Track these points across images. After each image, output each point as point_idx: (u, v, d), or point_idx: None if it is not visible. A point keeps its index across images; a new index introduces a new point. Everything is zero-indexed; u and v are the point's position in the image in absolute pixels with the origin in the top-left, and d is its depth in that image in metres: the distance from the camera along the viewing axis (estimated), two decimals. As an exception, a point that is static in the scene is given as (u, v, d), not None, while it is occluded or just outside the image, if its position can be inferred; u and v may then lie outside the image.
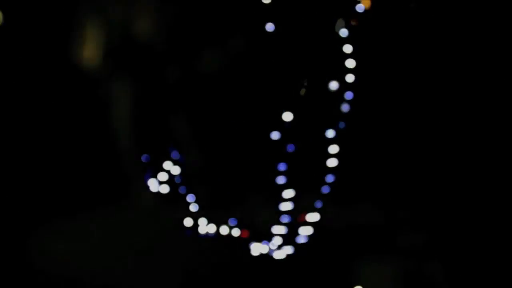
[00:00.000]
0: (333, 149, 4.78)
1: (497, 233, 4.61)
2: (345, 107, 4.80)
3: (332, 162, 4.79)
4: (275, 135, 4.68)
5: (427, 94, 4.84)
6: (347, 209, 4.80)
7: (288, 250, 4.70)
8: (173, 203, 4.73)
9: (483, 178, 4.75)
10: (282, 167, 4.71)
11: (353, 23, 4.77)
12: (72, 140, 4.75)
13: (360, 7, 4.76)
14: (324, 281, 4.63)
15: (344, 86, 4.79)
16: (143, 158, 4.71)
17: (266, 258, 4.70)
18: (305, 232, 4.73)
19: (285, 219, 4.70)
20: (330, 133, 4.78)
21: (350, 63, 4.76)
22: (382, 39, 4.82)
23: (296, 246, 4.69)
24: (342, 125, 4.79)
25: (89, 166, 4.73)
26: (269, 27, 4.65)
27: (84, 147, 4.75)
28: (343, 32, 4.77)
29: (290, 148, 4.71)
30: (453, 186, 4.79)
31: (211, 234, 4.68)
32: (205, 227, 4.69)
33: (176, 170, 4.72)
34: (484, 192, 4.72)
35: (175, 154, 4.73)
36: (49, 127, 4.74)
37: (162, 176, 4.72)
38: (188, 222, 4.68)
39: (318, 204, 4.77)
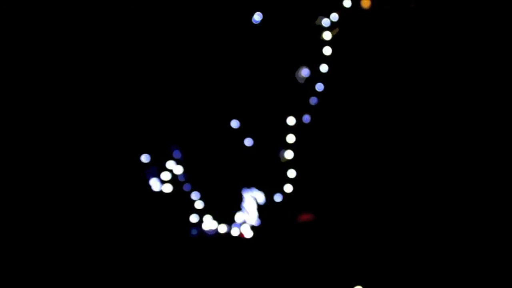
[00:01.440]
0: (291, 139, 4.59)
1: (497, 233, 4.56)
2: (313, 100, 4.61)
3: (289, 154, 4.62)
4: (234, 124, 4.61)
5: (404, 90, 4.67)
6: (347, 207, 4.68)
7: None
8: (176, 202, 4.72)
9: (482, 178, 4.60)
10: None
11: (337, 14, 4.64)
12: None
13: (347, 3, 4.63)
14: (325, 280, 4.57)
15: (316, 76, 4.62)
16: (145, 158, 4.68)
17: (267, 257, 4.62)
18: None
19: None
20: (291, 121, 4.58)
21: (327, 51, 4.60)
22: (366, 34, 4.69)
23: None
24: (307, 119, 4.60)
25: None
26: (256, 18, 4.63)
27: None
28: (325, 22, 4.64)
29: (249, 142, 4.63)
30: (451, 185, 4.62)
31: (213, 231, 4.65)
32: (210, 223, 4.65)
33: (179, 169, 4.63)
34: (483, 192, 4.60)
35: (177, 153, 4.67)
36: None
37: (165, 176, 4.63)
38: (193, 219, 4.63)
39: (278, 198, 4.65)
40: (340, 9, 4.64)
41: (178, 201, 4.64)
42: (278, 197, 4.63)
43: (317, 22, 4.63)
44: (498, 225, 4.53)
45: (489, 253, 4.48)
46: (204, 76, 4.64)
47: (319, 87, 4.60)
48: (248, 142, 4.61)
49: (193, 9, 4.64)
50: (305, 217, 4.66)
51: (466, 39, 4.66)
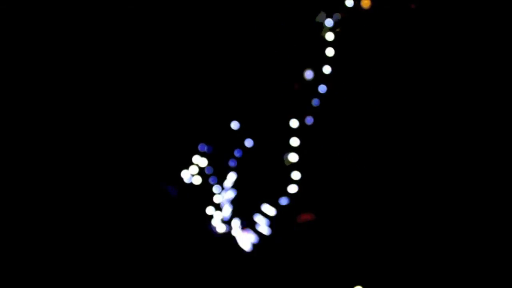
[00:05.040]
0: (295, 142, 4.54)
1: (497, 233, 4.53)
2: (315, 101, 4.55)
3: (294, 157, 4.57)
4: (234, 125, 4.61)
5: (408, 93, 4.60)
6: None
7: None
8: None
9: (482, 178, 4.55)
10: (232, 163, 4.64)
11: (340, 15, 4.59)
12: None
13: (349, 2, 4.58)
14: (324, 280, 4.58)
15: (319, 78, 4.56)
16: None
17: (266, 257, 4.64)
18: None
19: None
20: (294, 124, 4.54)
21: (330, 52, 4.54)
22: (369, 35, 4.63)
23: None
24: (310, 120, 4.55)
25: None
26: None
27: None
28: (328, 22, 4.58)
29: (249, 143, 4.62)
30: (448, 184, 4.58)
31: (215, 229, 4.65)
32: (218, 221, 4.65)
33: (203, 162, 4.66)
34: (483, 192, 4.55)
35: (202, 147, 4.70)
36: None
37: (193, 169, 4.66)
38: (209, 211, 4.64)
39: (283, 201, 4.59)
40: (343, 9, 4.58)
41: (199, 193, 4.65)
42: (283, 200, 4.60)
43: (317, 19, 4.59)
44: (498, 225, 4.49)
45: (489, 253, 4.45)
46: (208, 76, 4.70)
47: (322, 88, 4.55)
48: (249, 143, 4.61)
49: (193, 9, 4.67)
50: (305, 217, 4.63)
51: (466, 39, 4.58)
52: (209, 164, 4.64)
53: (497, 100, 4.56)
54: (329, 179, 4.63)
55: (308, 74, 4.57)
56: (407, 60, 4.60)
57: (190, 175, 4.63)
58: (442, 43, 4.58)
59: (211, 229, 4.62)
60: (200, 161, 4.64)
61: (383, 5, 4.62)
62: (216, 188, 4.64)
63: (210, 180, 4.65)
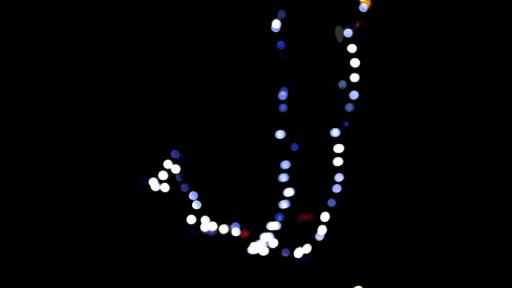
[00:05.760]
0: (339, 148, 4.77)
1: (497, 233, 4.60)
2: (349, 107, 4.78)
3: (338, 161, 4.77)
4: (280, 134, 4.74)
5: (432, 94, 4.74)
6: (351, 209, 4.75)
7: (302, 250, 4.70)
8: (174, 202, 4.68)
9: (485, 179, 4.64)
10: (285, 165, 4.73)
11: (357, 23, 4.77)
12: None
13: (363, 7, 4.75)
14: (324, 280, 4.64)
15: (349, 85, 4.77)
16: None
17: (266, 258, 4.69)
18: (321, 231, 4.70)
19: (280, 217, 4.70)
20: (335, 132, 4.78)
21: (355, 63, 4.74)
22: (386, 39, 4.78)
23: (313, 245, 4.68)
24: (346, 124, 4.76)
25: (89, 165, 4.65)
26: (275, 26, 4.73)
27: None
28: (347, 32, 4.78)
29: (294, 147, 4.74)
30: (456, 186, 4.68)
31: (213, 232, 4.69)
32: (208, 224, 4.66)
33: (176, 169, 4.66)
34: (484, 192, 4.64)
35: (175, 153, 4.67)
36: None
37: (163, 175, 4.64)
38: (190, 219, 4.65)
39: (331, 203, 4.73)
40: (359, 16, 4.76)
41: (176, 201, 4.64)
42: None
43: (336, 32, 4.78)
44: (498, 225, 4.58)
45: (489, 253, 4.53)
46: (217, 80, 4.76)
47: (354, 95, 4.78)
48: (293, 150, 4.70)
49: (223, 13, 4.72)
50: (305, 217, 4.72)
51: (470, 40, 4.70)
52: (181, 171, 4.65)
53: (497, 100, 4.70)
54: (328, 179, 4.74)
55: (342, 84, 4.79)
56: (408, 60, 4.76)
57: (158, 182, 4.62)
58: (443, 43, 4.73)
59: (204, 234, 4.66)
60: (172, 167, 4.64)
61: (383, 5, 4.76)
62: (192, 195, 4.67)
63: (182, 188, 4.65)
